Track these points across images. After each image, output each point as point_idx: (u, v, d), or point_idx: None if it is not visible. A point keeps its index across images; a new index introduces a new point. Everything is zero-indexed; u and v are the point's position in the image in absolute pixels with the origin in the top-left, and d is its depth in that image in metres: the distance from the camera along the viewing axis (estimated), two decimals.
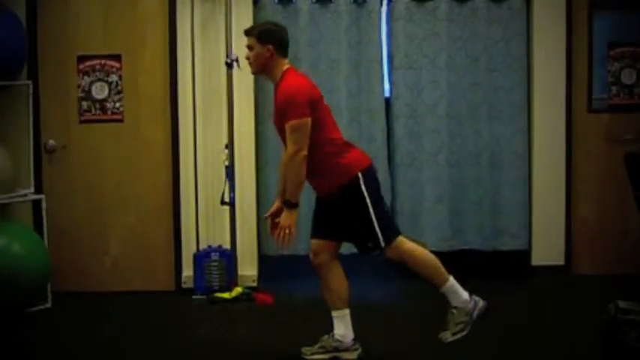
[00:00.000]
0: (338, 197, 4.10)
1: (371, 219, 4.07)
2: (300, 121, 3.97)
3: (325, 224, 4.24)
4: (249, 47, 4.19)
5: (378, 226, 4.07)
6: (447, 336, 4.12)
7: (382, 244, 4.10)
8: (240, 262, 5.83)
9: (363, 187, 4.07)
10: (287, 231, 4.05)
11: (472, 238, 6.13)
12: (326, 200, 4.19)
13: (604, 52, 6.11)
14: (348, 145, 4.21)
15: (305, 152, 3.98)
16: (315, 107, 4.05)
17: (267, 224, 4.39)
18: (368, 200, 4.07)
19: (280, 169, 4.31)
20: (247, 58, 4.23)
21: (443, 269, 4.13)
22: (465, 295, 4.13)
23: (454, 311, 4.12)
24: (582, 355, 4.41)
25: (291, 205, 4.05)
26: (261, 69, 4.20)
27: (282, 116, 4.04)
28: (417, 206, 6.09)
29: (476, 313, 4.11)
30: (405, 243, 4.16)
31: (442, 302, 5.56)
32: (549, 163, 6.10)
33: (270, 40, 4.14)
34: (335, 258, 4.27)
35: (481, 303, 4.14)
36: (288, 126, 3.99)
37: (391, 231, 4.16)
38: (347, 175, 4.07)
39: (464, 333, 4.10)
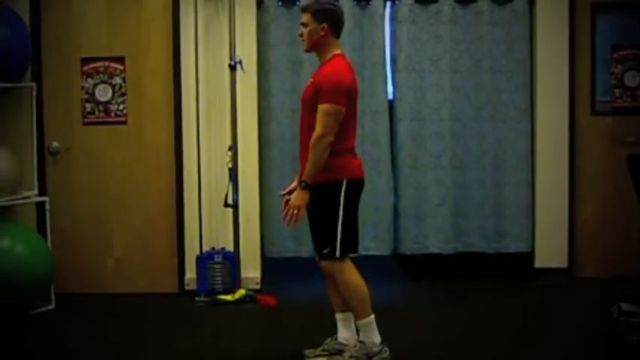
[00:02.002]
0: (316, 191, 4.06)
1: (336, 226, 4.05)
2: (335, 107, 3.96)
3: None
4: (304, 24, 4.16)
5: (340, 236, 4.06)
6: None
7: (337, 254, 4.07)
8: (243, 264, 5.83)
9: (342, 194, 4.05)
10: (295, 211, 4.03)
11: (475, 240, 6.13)
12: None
13: (607, 55, 6.12)
14: (352, 152, 4.18)
15: (331, 138, 3.96)
16: (349, 101, 4.05)
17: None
18: (341, 208, 4.05)
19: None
20: (300, 35, 4.20)
21: (369, 305, 4.13)
22: (377, 338, 4.14)
23: (357, 344, 4.15)
24: (585, 357, 4.41)
25: (306, 185, 4.02)
26: (314, 46, 4.17)
27: (315, 94, 4.01)
28: (420, 208, 6.09)
29: (375, 359, 4.12)
30: (347, 263, 4.14)
31: (445, 305, 5.58)
32: (552, 165, 6.10)
33: (325, 19, 4.11)
34: None
35: (386, 354, 4.14)
36: (322, 108, 3.97)
37: (349, 247, 4.14)
38: (334, 175, 4.05)
39: None
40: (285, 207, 4.18)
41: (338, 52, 4.16)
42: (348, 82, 4.06)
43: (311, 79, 4.16)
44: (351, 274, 4.13)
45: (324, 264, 4.16)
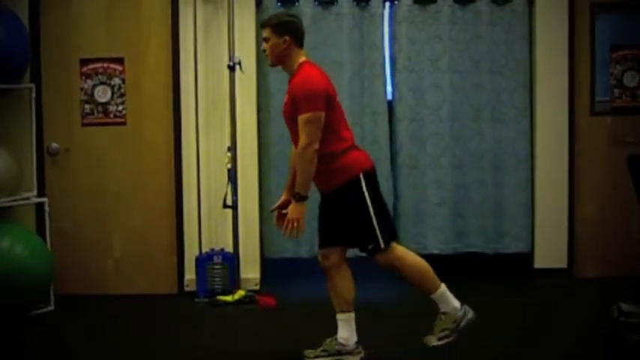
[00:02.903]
0: (339, 196, 4.11)
1: (371, 220, 4.07)
2: (314, 114, 3.97)
3: (330, 229, 4.24)
4: (265, 39, 4.18)
5: (378, 228, 4.08)
6: (432, 340, 4.15)
7: (382, 245, 4.10)
8: (242, 265, 5.83)
9: (364, 188, 4.08)
10: (295, 224, 4.05)
11: (475, 240, 6.13)
12: (328, 198, 4.19)
13: (606, 55, 6.11)
14: (354, 147, 4.21)
15: (316, 146, 3.97)
16: (329, 103, 4.05)
17: (273, 215, 4.39)
18: (368, 201, 4.08)
19: (291, 161, 4.33)
20: (264, 50, 4.23)
21: (435, 276, 4.14)
22: (455, 303, 4.14)
23: (442, 317, 4.14)
24: (585, 357, 4.41)
25: (300, 197, 4.04)
26: (278, 60, 4.19)
27: (294, 107, 4.03)
28: (419, 209, 6.09)
29: (464, 322, 4.12)
30: (396, 248, 4.17)
31: None
32: (552, 165, 6.09)
33: (286, 31, 4.13)
34: (344, 261, 4.27)
35: (471, 314, 4.15)
36: (301, 118, 3.98)
37: (390, 235, 4.17)
38: (349, 174, 4.08)
39: (449, 340, 4.12)
40: (278, 221, 4.26)
41: (303, 59, 4.17)
42: (323, 86, 4.06)
43: (286, 95, 4.17)
44: (406, 258, 4.16)
45: (379, 259, 4.15)
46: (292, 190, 4.14)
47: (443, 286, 4.14)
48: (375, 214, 4.08)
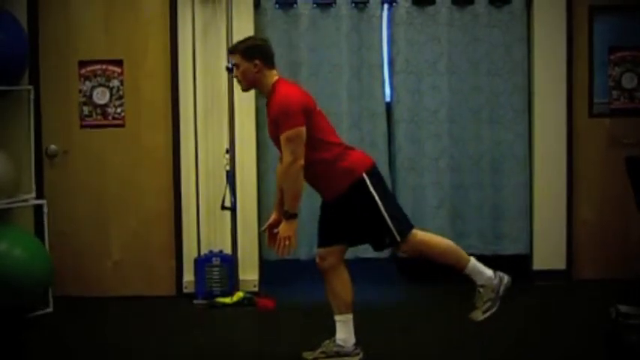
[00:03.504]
0: (347, 200, 4.11)
1: (383, 217, 4.08)
2: (294, 130, 3.98)
3: (333, 230, 4.24)
4: (236, 65, 4.19)
5: (391, 223, 4.09)
6: (478, 315, 4.18)
7: (398, 239, 4.11)
8: (241, 266, 5.83)
9: (370, 187, 4.09)
10: (287, 242, 4.07)
11: (473, 242, 6.11)
12: (334, 205, 4.18)
13: (604, 57, 6.12)
14: (348, 148, 4.22)
15: (302, 162, 3.99)
16: (309, 114, 4.06)
17: (265, 235, 4.41)
18: (377, 199, 4.09)
19: (277, 180, 4.34)
20: (235, 77, 4.25)
21: (461, 251, 4.20)
22: (489, 272, 4.18)
23: (480, 290, 4.17)
24: (584, 358, 4.41)
25: (290, 215, 4.06)
26: (251, 84, 4.21)
27: (276, 127, 4.05)
28: (418, 211, 6.07)
29: (502, 289, 4.16)
30: (417, 234, 4.19)
31: (444, 307, 5.57)
32: (550, 167, 6.09)
33: (255, 55, 4.14)
34: (342, 262, 4.27)
35: (506, 279, 4.18)
36: (283, 136, 4.00)
37: (404, 225, 4.17)
38: (352, 177, 4.09)
39: (493, 310, 4.15)
40: (270, 241, 4.30)
41: (276, 78, 4.18)
42: (299, 101, 4.07)
43: (268, 118, 4.19)
44: (430, 242, 4.21)
45: (402, 249, 4.19)
46: (281, 208, 4.16)
47: (472, 259, 4.18)
48: (385, 210, 4.09)
